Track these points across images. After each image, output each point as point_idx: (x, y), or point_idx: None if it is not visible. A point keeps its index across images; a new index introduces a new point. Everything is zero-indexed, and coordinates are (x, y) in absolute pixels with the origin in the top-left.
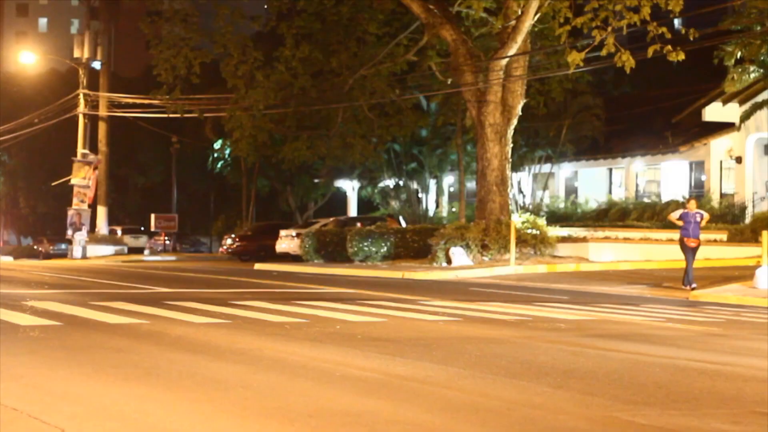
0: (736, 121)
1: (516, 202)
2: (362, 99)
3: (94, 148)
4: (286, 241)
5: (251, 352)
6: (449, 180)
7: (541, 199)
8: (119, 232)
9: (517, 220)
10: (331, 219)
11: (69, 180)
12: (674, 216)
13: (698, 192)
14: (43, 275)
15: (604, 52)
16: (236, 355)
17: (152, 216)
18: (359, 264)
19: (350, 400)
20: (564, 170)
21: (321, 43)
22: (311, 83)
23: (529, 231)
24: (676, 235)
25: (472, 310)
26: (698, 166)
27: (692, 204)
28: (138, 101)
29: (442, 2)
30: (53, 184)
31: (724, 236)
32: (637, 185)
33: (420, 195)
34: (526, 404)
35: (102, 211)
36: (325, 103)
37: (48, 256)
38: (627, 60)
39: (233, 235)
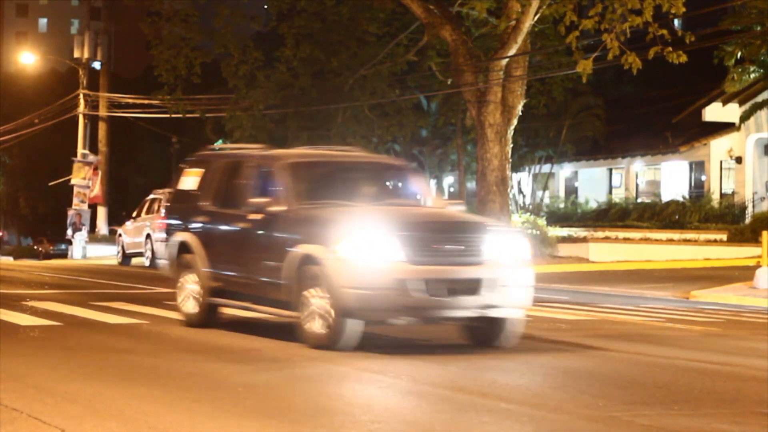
0: (736, 121)
1: (516, 203)
2: (362, 99)
3: (94, 148)
4: None
5: (251, 352)
6: (449, 180)
7: (541, 200)
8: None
9: (517, 220)
10: None
11: (68, 180)
12: None
13: (698, 192)
14: (43, 275)
15: (610, 56)
16: (236, 355)
17: None
18: None
19: (350, 400)
20: (564, 170)
21: (321, 43)
22: (311, 83)
23: (529, 231)
24: (675, 235)
25: None
26: (698, 166)
27: None
28: (138, 101)
29: (442, 2)
30: (50, 184)
31: (724, 236)
32: (637, 185)
33: None
34: (526, 404)
35: (102, 211)
36: (325, 103)
37: (48, 256)
38: (633, 62)
39: None
